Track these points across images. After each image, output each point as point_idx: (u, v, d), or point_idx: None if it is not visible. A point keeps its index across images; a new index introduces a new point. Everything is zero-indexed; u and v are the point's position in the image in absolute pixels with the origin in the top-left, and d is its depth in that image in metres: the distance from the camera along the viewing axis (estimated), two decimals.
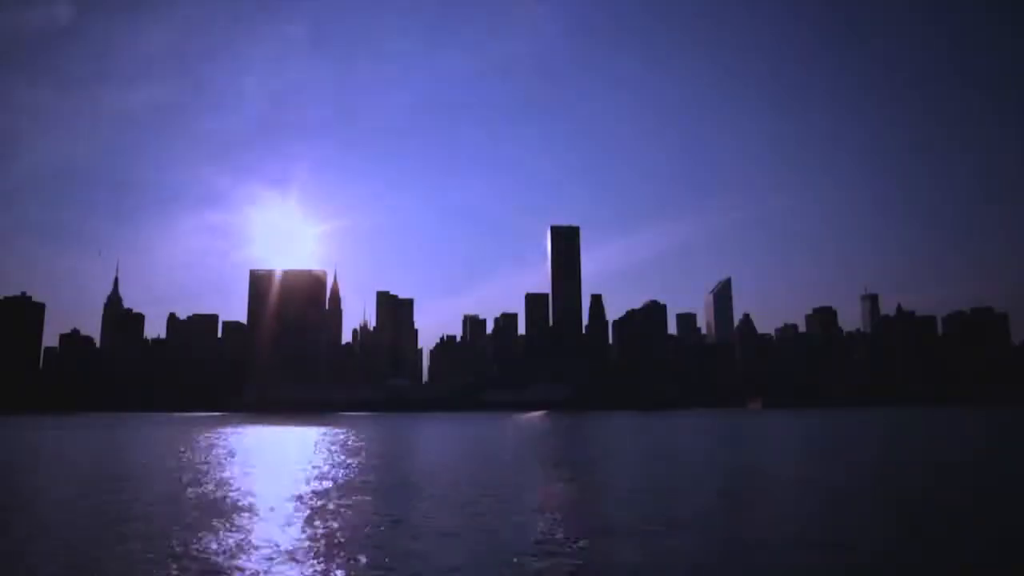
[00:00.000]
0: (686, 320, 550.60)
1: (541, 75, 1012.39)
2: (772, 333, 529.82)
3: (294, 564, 13.67)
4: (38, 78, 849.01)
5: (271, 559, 14.04)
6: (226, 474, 32.11)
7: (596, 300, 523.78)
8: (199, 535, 16.26)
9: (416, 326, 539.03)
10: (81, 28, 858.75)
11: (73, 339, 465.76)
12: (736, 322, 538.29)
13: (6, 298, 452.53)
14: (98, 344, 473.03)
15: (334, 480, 29.16)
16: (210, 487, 26.57)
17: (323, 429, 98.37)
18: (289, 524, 18.09)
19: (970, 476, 28.67)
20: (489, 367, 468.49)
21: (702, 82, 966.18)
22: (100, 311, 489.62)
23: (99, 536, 16.33)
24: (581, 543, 15.16)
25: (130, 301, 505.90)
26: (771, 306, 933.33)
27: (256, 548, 15.00)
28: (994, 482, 26.50)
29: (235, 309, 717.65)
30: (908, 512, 19.18)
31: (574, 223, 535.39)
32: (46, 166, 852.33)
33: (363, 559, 14.02)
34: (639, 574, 12.44)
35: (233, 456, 44.44)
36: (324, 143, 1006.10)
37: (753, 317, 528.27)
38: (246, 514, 19.63)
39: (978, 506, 20.68)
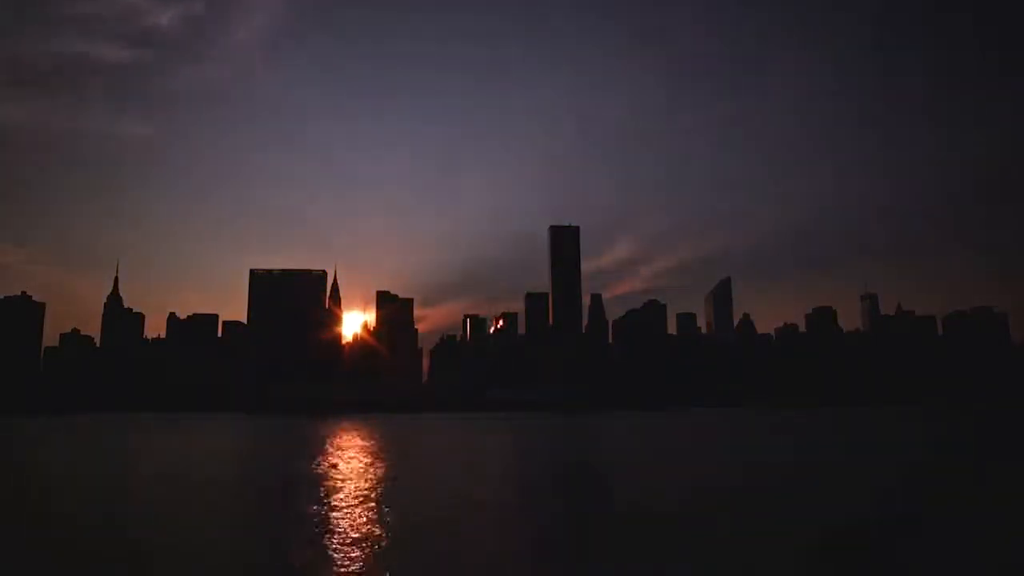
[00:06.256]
0: (686, 320, 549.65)
1: (540, 74, 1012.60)
2: (772, 333, 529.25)
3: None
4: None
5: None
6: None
7: (596, 300, 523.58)
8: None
9: (416, 326, 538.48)
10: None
11: (73, 339, 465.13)
12: (736, 322, 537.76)
13: (6, 298, 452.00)
14: (98, 344, 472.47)
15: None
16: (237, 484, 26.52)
17: (324, 430, 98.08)
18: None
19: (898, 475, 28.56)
20: (489, 367, 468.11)
21: (703, 80, 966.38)
22: (100, 311, 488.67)
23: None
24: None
25: (130, 301, 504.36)
26: (771, 306, 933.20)
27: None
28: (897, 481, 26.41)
29: (235, 309, 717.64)
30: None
31: (574, 223, 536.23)
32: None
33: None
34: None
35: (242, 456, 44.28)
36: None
37: (753, 317, 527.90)
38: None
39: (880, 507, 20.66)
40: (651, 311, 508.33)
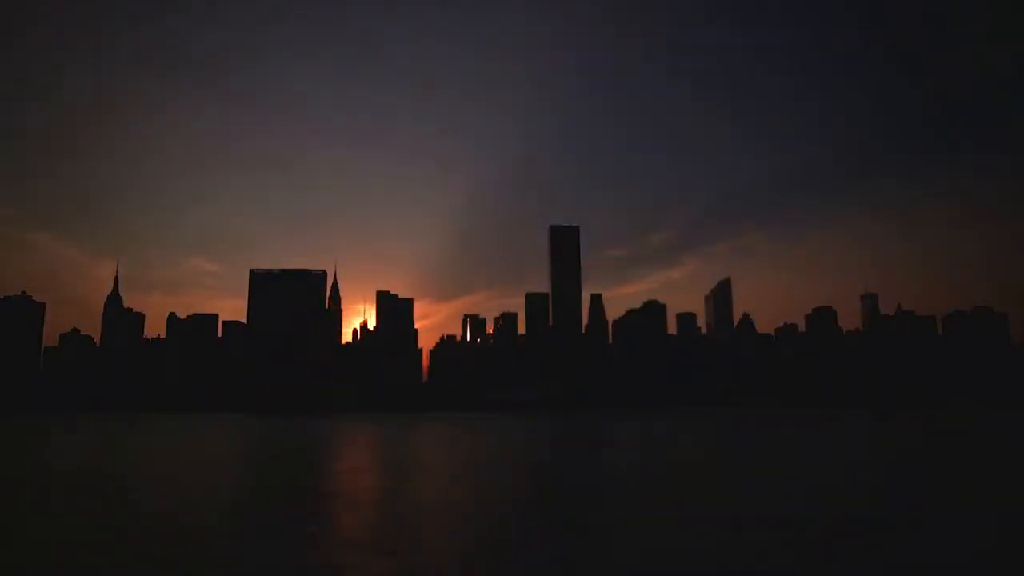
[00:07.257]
0: (686, 320, 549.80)
1: (542, 76, 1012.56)
2: (772, 333, 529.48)
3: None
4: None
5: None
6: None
7: (596, 300, 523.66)
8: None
9: (416, 326, 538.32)
10: None
11: (73, 339, 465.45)
12: (736, 322, 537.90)
13: (6, 298, 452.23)
14: (98, 344, 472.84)
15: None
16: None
17: (325, 431, 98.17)
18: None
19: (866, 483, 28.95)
20: (489, 367, 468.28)
21: (702, 80, 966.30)
22: (100, 311, 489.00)
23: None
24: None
25: (130, 301, 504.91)
26: (771, 306, 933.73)
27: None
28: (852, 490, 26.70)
29: (235, 309, 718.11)
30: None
31: (574, 223, 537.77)
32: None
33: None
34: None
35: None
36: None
37: (753, 317, 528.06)
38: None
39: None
40: (651, 311, 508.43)
